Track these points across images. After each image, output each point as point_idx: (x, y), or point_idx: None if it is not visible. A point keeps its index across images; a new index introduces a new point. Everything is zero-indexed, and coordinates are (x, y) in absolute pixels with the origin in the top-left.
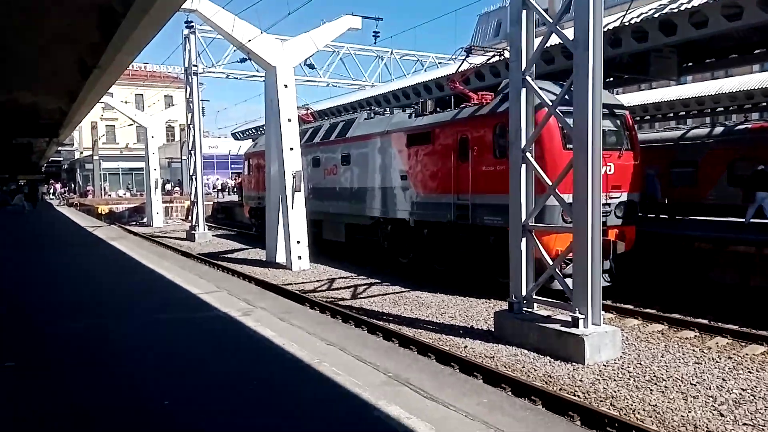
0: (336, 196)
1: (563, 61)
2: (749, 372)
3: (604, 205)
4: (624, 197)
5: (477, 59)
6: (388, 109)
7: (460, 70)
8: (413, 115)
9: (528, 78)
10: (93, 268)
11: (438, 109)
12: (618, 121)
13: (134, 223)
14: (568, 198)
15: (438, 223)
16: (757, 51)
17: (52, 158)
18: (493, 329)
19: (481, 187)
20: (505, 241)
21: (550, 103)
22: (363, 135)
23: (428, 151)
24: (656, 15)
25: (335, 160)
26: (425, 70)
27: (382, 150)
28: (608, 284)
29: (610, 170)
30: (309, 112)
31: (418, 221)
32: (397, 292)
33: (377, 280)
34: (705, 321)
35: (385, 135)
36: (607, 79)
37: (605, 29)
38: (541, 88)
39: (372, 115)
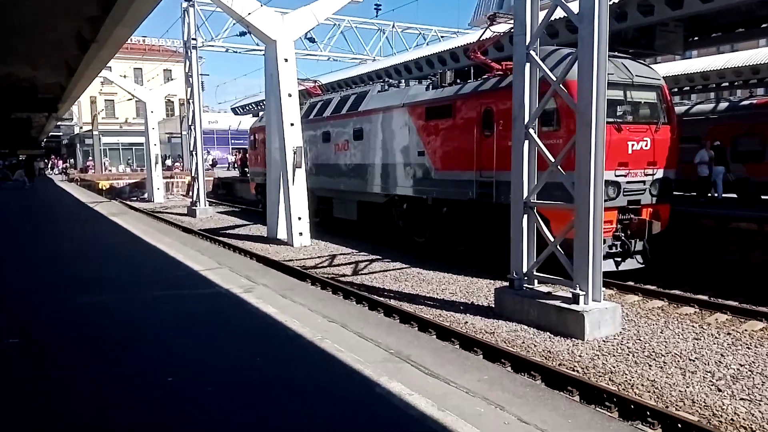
0: (347, 172)
1: (567, 35)
2: (748, 348)
3: (639, 182)
4: (660, 174)
5: (501, 27)
6: (403, 80)
7: (482, 39)
8: (430, 87)
9: (532, 52)
10: (94, 244)
11: (458, 81)
12: (654, 94)
13: (135, 198)
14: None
15: (458, 201)
16: (764, 25)
17: (51, 133)
18: (493, 305)
19: (507, 163)
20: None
21: (554, 78)
22: (377, 108)
23: (448, 125)
24: None
25: (347, 134)
26: (427, 44)
27: (398, 124)
28: (641, 266)
29: (646, 145)
30: (317, 84)
31: (437, 199)
32: (398, 269)
33: (378, 257)
34: (705, 297)
35: (402, 108)
36: (612, 54)
37: (611, 2)
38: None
39: (386, 87)
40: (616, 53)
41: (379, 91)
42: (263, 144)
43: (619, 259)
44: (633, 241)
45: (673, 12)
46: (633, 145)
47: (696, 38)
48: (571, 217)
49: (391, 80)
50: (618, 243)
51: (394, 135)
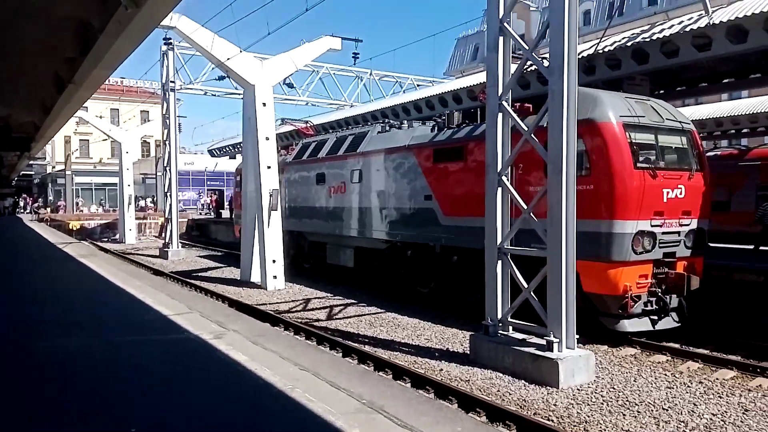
0: (344, 216)
1: (539, 86)
2: (719, 397)
3: (674, 233)
4: (694, 224)
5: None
6: (405, 122)
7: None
8: (435, 128)
9: (504, 103)
10: (60, 286)
11: (467, 122)
12: (685, 138)
13: (106, 239)
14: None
15: (470, 249)
16: (725, 80)
17: (23, 172)
18: (468, 352)
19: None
20: None
21: (526, 128)
22: (378, 150)
23: (459, 168)
24: (629, 44)
25: (344, 177)
26: (404, 92)
27: (402, 166)
28: (677, 325)
29: (680, 193)
30: (309, 125)
31: (446, 247)
32: (373, 313)
33: (353, 301)
34: (677, 345)
35: (406, 150)
36: (636, 96)
37: (580, 56)
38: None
39: (387, 128)
40: (638, 95)
41: (379, 132)
42: None
43: (656, 318)
44: (669, 297)
45: (639, 66)
46: (668, 192)
47: (662, 91)
48: (604, 270)
49: (392, 121)
50: (653, 299)
51: (397, 178)
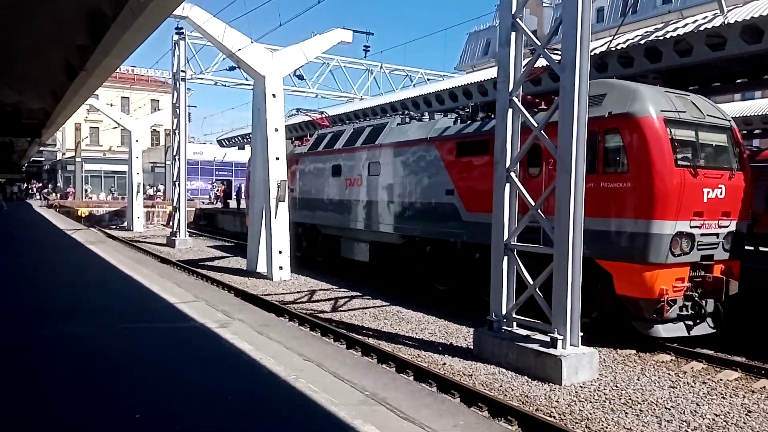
0: (360, 209)
1: (549, 82)
2: (723, 398)
3: (712, 234)
4: (733, 226)
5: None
6: (426, 114)
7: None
8: (458, 120)
9: (515, 99)
10: (68, 273)
11: (491, 115)
12: (725, 135)
13: (114, 226)
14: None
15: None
16: (738, 80)
17: (33, 158)
18: (472, 347)
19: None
20: (592, 276)
21: (536, 124)
22: (397, 142)
23: (485, 161)
24: (642, 42)
25: (360, 169)
26: (414, 86)
27: (422, 159)
28: (713, 331)
29: (720, 193)
30: (324, 116)
31: (467, 243)
32: (378, 306)
33: (358, 293)
34: (711, 352)
35: (428, 143)
36: (674, 90)
37: (592, 53)
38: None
39: (407, 119)
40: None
41: (398, 124)
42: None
43: (691, 323)
44: (705, 301)
45: (651, 64)
46: (708, 192)
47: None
48: (639, 272)
49: (411, 113)
50: (689, 304)
51: (417, 171)
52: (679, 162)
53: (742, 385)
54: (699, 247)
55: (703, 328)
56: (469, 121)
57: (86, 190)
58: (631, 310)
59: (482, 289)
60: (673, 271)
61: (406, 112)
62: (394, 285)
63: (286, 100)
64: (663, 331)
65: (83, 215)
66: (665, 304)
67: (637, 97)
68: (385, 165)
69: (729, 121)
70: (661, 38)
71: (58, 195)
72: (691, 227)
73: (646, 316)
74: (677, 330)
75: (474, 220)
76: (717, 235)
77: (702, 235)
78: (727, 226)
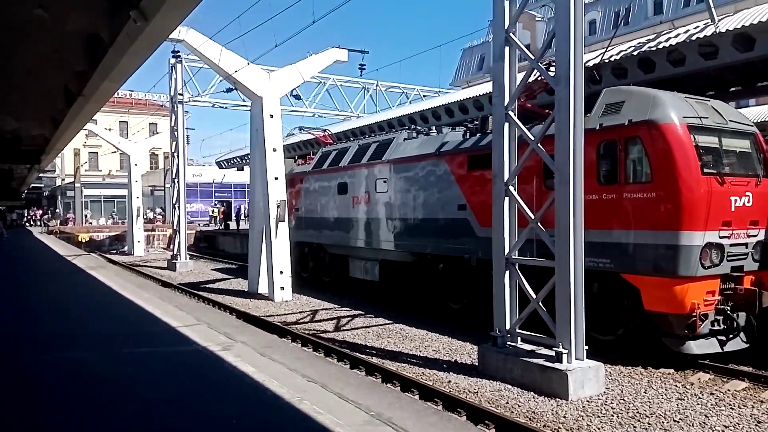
0: (368, 228)
1: (545, 96)
2: (731, 408)
3: (741, 245)
4: (762, 235)
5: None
6: (433, 127)
7: (530, 83)
8: (467, 134)
9: (510, 113)
10: (69, 299)
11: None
12: (748, 141)
13: (115, 251)
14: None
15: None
16: (732, 89)
17: (32, 184)
18: (477, 363)
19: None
20: (615, 291)
21: (532, 138)
22: (405, 157)
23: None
24: (635, 53)
25: (368, 186)
26: (410, 102)
27: (432, 174)
28: (746, 345)
29: (748, 201)
30: (327, 134)
31: (482, 260)
32: (380, 325)
33: (361, 312)
34: (750, 369)
35: (437, 157)
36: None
37: (586, 66)
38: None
39: (414, 134)
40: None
41: (406, 139)
42: (291, 194)
43: (723, 338)
44: (737, 315)
45: (645, 75)
46: (735, 201)
47: None
48: (668, 286)
49: (418, 127)
50: (721, 318)
51: (427, 187)
52: (705, 170)
53: (750, 395)
54: (729, 258)
55: (737, 344)
56: (479, 134)
57: (86, 216)
58: (661, 326)
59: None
60: (704, 284)
61: (412, 126)
62: (403, 304)
63: (283, 119)
64: (695, 347)
65: (83, 241)
66: (697, 318)
67: (657, 103)
68: (393, 181)
69: (752, 126)
70: (654, 49)
71: (58, 221)
72: (720, 237)
73: (677, 332)
74: (710, 346)
75: (488, 235)
76: (746, 245)
77: (731, 245)
78: (755, 236)
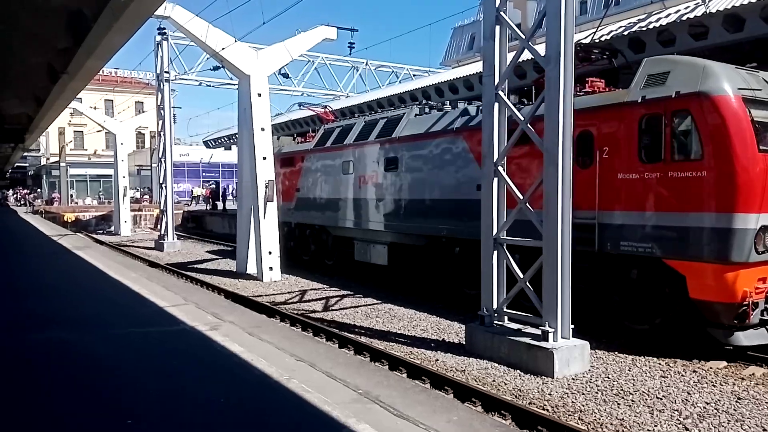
0: (376, 209)
1: (535, 75)
2: (713, 385)
3: None
4: None
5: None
6: (447, 102)
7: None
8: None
9: (500, 92)
10: (55, 279)
11: (525, 101)
12: None
13: (101, 231)
14: (667, 218)
15: (537, 248)
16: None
17: (17, 164)
18: (464, 342)
19: (617, 201)
20: (656, 278)
21: (522, 118)
22: (418, 134)
23: (523, 152)
24: (626, 33)
25: (376, 165)
26: (400, 82)
27: (448, 152)
28: None
29: None
30: (328, 110)
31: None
32: (369, 305)
33: (350, 292)
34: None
35: (454, 133)
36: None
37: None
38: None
39: (427, 109)
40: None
41: (417, 115)
42: (280, 175)
43: None
44: None
45: (636, 55)
46: None
47: None
48: (719, 273)
49: (431, 102)
50: None
51: (442, 165)
52: (761, 147)
53: (732, 372)
54: None
55: None
56: None
57: (72, 195)
58: (708, 315)
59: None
60: (756, 270)
61: (424, 101)
62: (413, 289)
63: (271, 98)
64: (744, 338)
65: (69, 221)
66: (749, 308)
67: (709, 73)
68: (404, 159)
69: None
70: (645, 29)
71: (44, 201)
72: None
73: (724, 322)
74: (760, 337)
75: (513, 217)
76: None
77: None
78: None
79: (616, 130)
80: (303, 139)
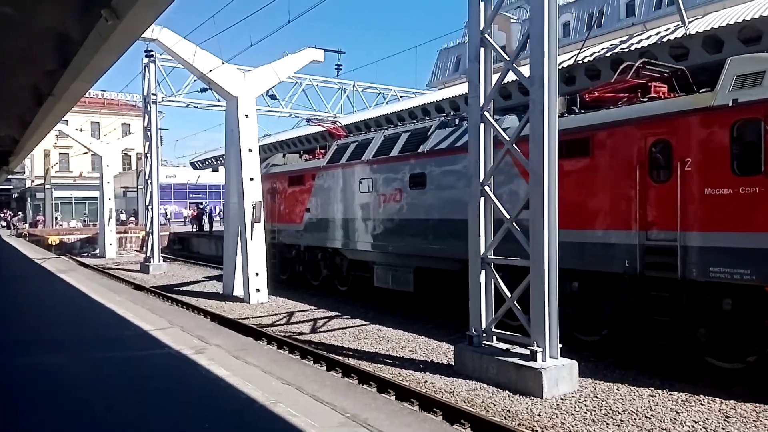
0: (399, 230)
1: (520, 96)
2: (701, 404)
3: None
4: None
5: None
6: None
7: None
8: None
9: (486, 113)
10: (38, 302)
11: (575, 108)
12: None
13: (86, 254)
14: (748, 238)
15: (600, 273)
16: (702, 90)
17: (1, 186)
18: (453, 363)
19: (705, 219)
20: (753, 307)
21: (507, 138)
22: (449, 148)
23: (581, 166)
24: (608, 54)
25: (399, 182)
26: (387, 103)
27: None
28: None
29: None
30: (337, 125)
31: (560, 269)
32: (357, 326)
33: (337, 313)
34: None
35: (495, 146)
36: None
37: (560, 67)
38: None
39: (457, 120)
40: None
41: (447, 127)
42: (270, 195)
43: None
44: None
45: (618, 76)
46: None
47: None
48: None
49: (462, 113)
50: None
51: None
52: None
53: (719, 391)
54: None
55: None
56: None
57: (56, 218)
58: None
59: (582, 328)
60: None
61: (452, 112)
62: (445, 316)
63: (259, 120)
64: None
65: (53, 243)
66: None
67: None
68: (433, 176)
69: None
70: (626, 50)
71: (28, 224)
72: None
73: None
74: None
75: (567, 239)
76: None
77: None
78: None
79: (701, 138)
80: (311, 156)
